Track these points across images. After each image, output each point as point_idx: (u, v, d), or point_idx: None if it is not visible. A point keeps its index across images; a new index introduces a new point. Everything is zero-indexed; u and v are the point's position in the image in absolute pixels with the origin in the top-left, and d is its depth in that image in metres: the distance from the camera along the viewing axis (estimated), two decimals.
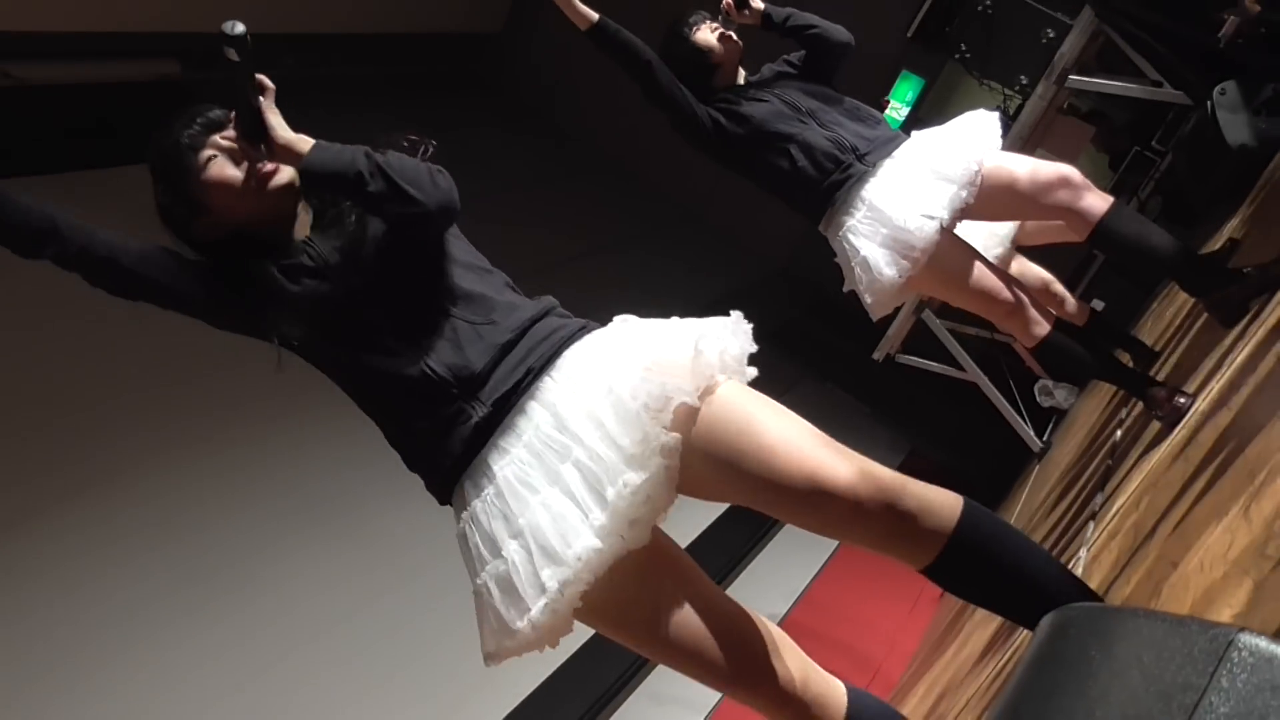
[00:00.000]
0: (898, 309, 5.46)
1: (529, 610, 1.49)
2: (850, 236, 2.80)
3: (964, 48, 5.04)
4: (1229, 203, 4.30)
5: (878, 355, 5.37)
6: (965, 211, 2.77)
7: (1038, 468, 5.18)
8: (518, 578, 1.50)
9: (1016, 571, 1.54)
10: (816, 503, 1.50)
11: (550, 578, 1.47)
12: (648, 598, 1.60)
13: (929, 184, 2.72)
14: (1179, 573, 1.57)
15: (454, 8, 8.54)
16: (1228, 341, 2.46)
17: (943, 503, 1.54)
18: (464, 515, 1.61)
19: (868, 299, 2.84)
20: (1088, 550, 2.35)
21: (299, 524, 4.24)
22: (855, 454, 1.56)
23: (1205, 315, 3.14)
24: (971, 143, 2.80)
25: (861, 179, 2.79)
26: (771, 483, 1.51)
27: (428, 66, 8.79)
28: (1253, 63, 4.49)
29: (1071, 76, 4.92)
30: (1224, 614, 1.24)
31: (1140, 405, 2.70)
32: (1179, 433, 2.34)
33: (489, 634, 1.58)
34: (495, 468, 1.58)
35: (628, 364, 1.57)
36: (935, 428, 7.15)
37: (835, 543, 5.60)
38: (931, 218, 2.68)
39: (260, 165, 1.65)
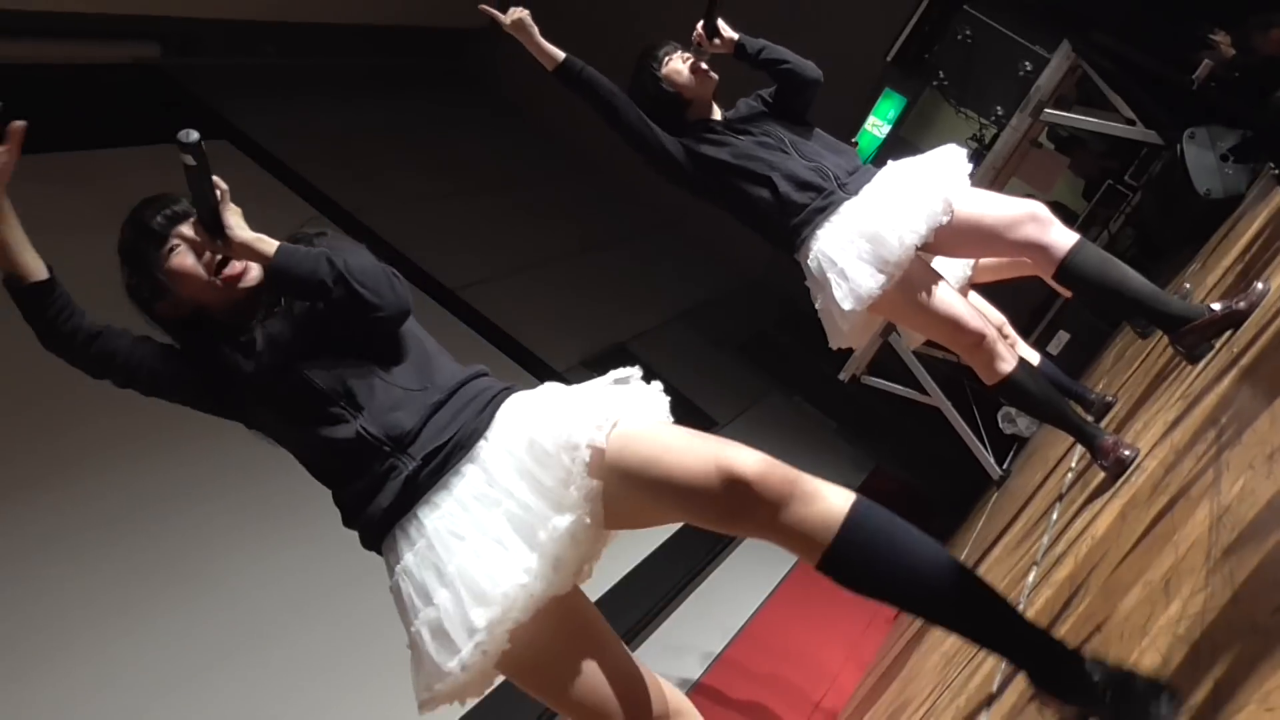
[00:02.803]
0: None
1: (459, 651, 1.56)
2: (825, 250, 2.79)
3: (942, 75, 5.08)
4: (1193, 244, 4.37)
5: (843, 376, 5.41)
6: (933, 247, 2.79)
7: (996, 495, 5.24)
8: (449, 622, 1.57)
9: (905, 566, 1.52)
10: (721, 481, 1.54)
11: (479, 617, 1.55)
12: (563, 655, 1.71)
13: (908, 203, 2.73)
14: (1102, 636, 1.60)
15: (440, 2, 8.51)
16: (1171, 396, 2.50)
17: (836, 494, 1.56)
18: (397, 569, 1.68)
19: (845, 305, 2.75)
20: (1026, 597, 2.39)
21: (253, 516, 4.22)
22: (751, 473, 1.58)
23: (1157, 361, 3.19)
24: (943, 174, 2.80)
25: (842, 203, 2.80)
26: (683, 479, 1.57)
27: (412, 60, 8.77)
28: (1224, 107, 4.56)
29: (1047, 110, 4.97)
30: None
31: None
32: (1121, 485, 2.39)
33: (422, 680, 1.64)
34: (426, 521, 1.67)
35: (548, 417, 1.69)
36: (900, 447, 7.21)
37: (775, 579, 5.64)
38: (912, 230, 2.68)
39: (219, 260, 1.78)
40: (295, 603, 3.99)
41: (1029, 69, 4.97)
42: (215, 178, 1.72)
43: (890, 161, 2.93)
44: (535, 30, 2.83)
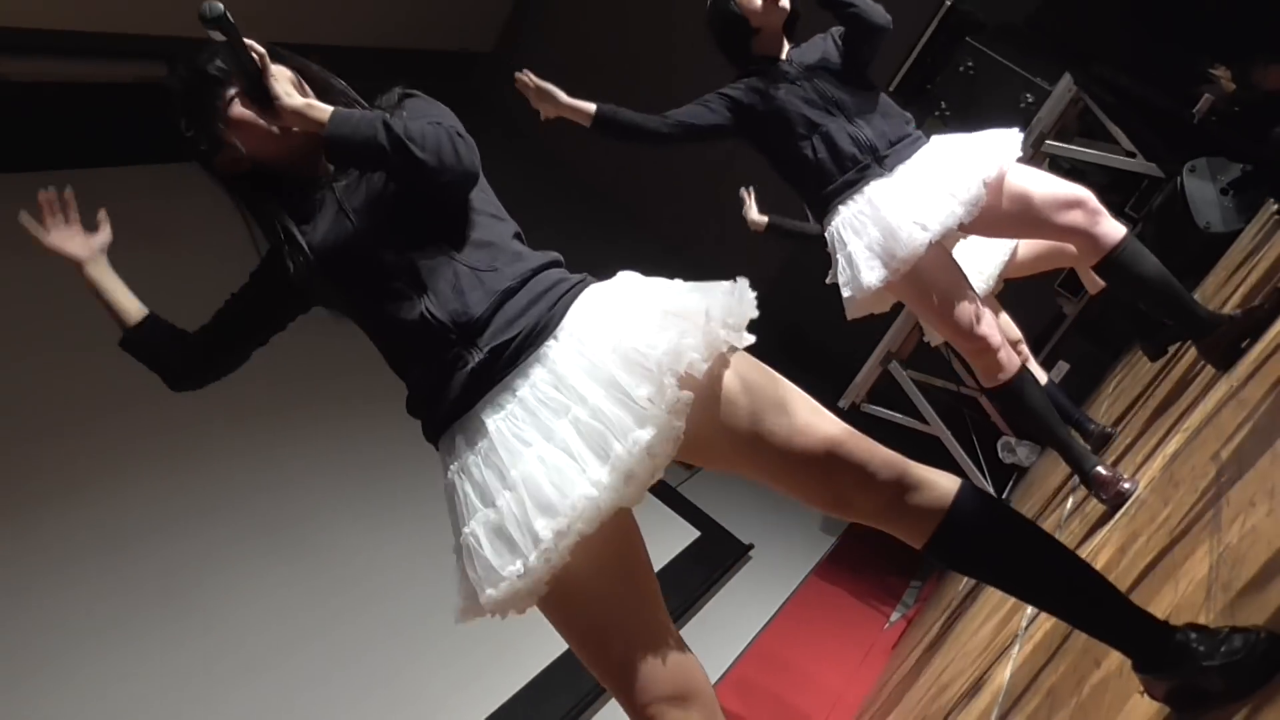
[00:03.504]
0: (863, 358, 5.54)
1: (521, 556, 1.47)
2: (842, 229, 2.78)
3: (944, 106, 5.10)
4: (1193, 276, 4.38)
5: (843, 404, 5.39)
6: (974, 226, 2.72)
7: None
8: (511, 525, 1.49)
9: (1005, 552, 1.52)
10: (830, 467, 1.54)
11: (545, 527, 1.46)
12: (609, 600, 1.58)
13: (933, 195, 2.68)
14: (1101, 673, 1.59)
15: (445, 25, 8.56)
16: (1171, 428, 2.50)
17: (942, 480, 1.55)
18: (454, 466, 1.60)
19: (846, 293, 2.80)
20: (1024, 631, 2.38)
21: (266, 546, 4.19)
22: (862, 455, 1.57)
23: (1157, 393, 3.19)
24: (987, 158, 2.72)
25: (874, 179, 2.77)
26: (792, 450, 1.54)
27: (417, 83, 8.78)
28: (1224, 141, 4.58)
29: (1048, 142, 4.99)
30: None
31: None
32: (1120, 517, 2.38)
33: (469, 586, 1.54)
34: (489, 422, 1.58)
35: (639, 318, 1.57)
36: None
37: (784, 595, 5.62)
38: (924, 229, 2.64)
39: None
40: (308, 630, 3.95)
41: (1030, 101, 4.99)
42: (250, 41, 1.63)
43: (935, 138, 2.87)
44: (561, 94, 2.81)
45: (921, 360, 5.73)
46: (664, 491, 5.73)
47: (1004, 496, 5.36)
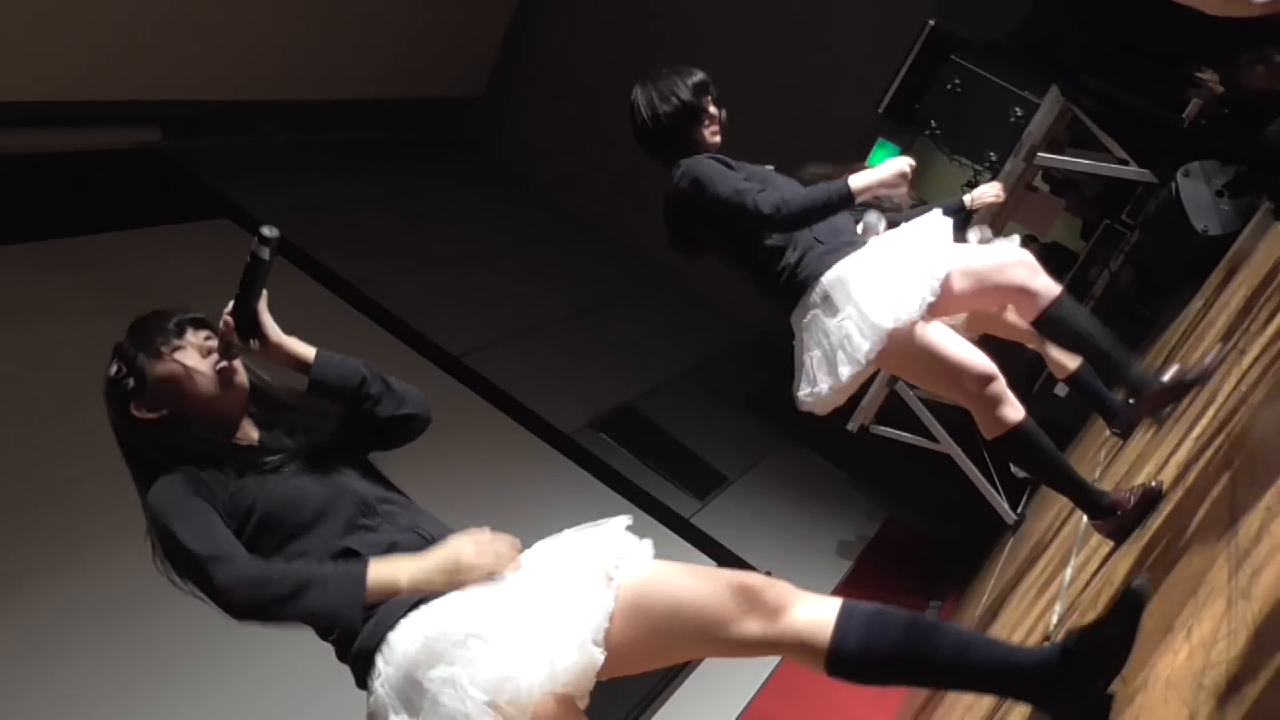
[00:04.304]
0: (870, 380, 5.52)
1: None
2: (817, 322, 2.76)
3: (934, 124, 5.13)
4: (1194, 280, 4.37)
5: (852, 426, 5.39)
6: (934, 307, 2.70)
7: (1011, 539, 5.19)
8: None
9: (902, 653, 1.63)
10: (737, 595, 1.66)
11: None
12: None
13: (901, 277, 2.68)
14: (1126, 690, 1.58)
15: (435, 73, 8.63)
16: (1183, 436, 2.49)
17: (824, 601, 1.67)
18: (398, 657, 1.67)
19: (844, 371, 2.70)
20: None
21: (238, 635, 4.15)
22: (757, 582, 1.68)
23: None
24: (930, 244, 2.76)
25: (834, 264, 2.75)
26: (694, 596, 1.67)
27: (410, 131, 8.88)
28: (1216, 144, 4.59)
29: (1040, 154, 5.01)
30: None
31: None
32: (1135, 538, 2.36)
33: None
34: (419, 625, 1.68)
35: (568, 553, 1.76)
36: (912, 495, 7.15)
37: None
38: (905, 310, 2.63)
39: (228, 359, 1.83)
40: (315, 672, 3.89)
41: (1019, 114, 5.01)
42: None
43: (872, 239, 2.89)
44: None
45: None
46: (678, 524, 5.70)
47: (1019, 510, 5.33)
